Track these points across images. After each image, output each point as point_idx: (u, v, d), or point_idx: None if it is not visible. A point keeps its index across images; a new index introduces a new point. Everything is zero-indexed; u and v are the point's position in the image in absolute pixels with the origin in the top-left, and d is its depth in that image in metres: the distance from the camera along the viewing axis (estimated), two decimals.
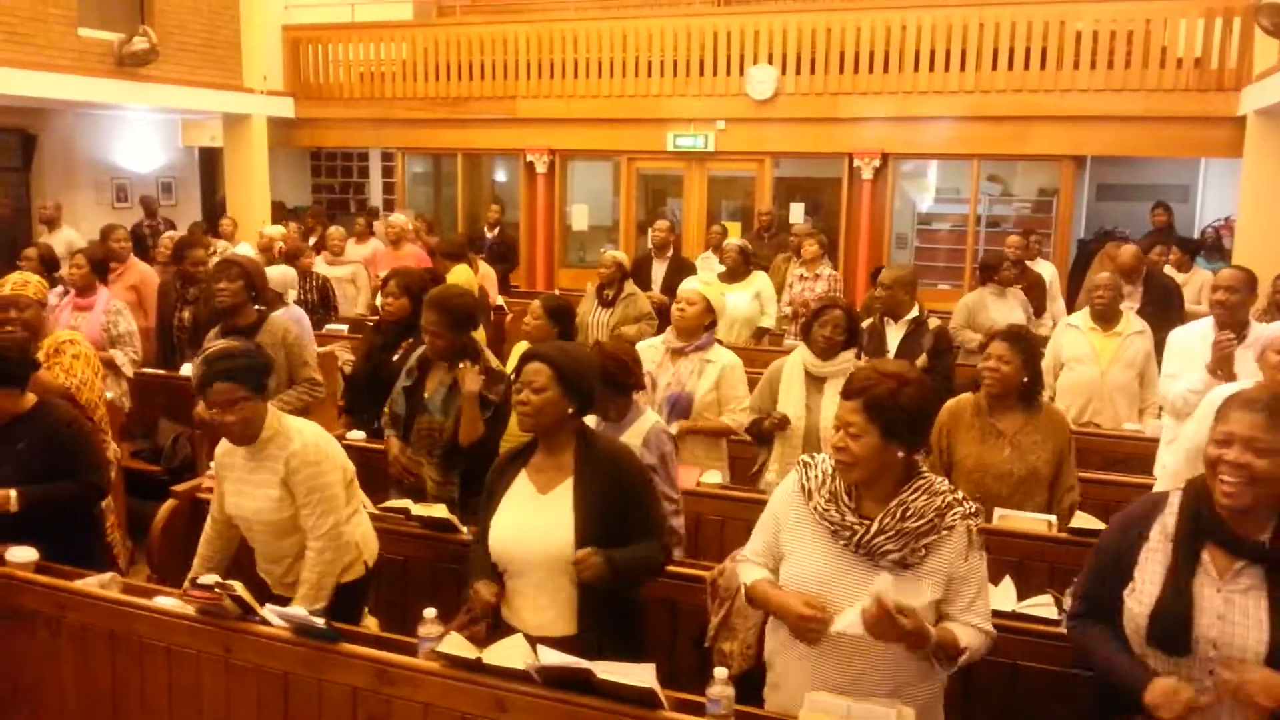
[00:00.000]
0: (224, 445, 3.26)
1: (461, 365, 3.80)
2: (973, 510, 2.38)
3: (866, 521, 2.34)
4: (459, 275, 6.58)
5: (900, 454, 2.35)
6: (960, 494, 2.40)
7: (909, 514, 2.32)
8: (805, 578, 2.40)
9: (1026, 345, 3.78)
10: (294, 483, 3.10)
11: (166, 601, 2.97)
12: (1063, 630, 2.87)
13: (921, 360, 4.89)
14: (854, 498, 2.40)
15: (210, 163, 13.97)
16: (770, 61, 11.05)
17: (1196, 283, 8.16)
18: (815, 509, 2.41)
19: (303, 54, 13.09)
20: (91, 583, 3.09)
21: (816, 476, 2.45)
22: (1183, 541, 2.25)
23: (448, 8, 13.96)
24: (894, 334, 5.24)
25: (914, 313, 5.25)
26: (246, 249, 9.19)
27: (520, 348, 4.60)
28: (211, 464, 3.83)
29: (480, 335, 5.64)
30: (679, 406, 4.31)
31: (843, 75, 10.83)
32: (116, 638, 2.96)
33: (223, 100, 11.97)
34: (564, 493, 2.75)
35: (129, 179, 12.85)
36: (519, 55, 12.03)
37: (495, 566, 2.80)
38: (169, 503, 3.83)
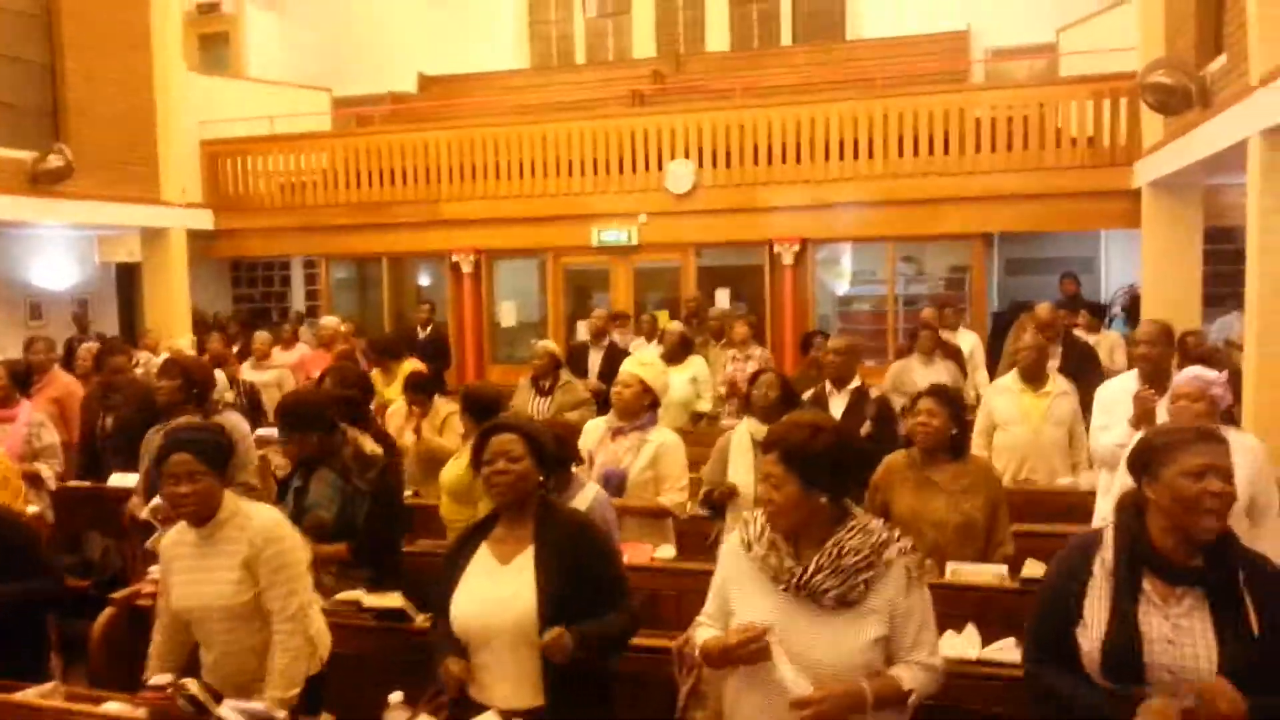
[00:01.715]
0: (170, 536, 3.14)
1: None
2: (909, 547, 2.44)
3: (805, 564, 2.38)
4: (407, 369, 6.66)
5: (824, 500, 2.41)
6: (896, 532, 2.46)
7: (845, 552, 2.37)
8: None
9: (951, 400, 3.97)
10: (260, 560, 2.98)
11: (115, 707, 2.84)
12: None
13: (866, 428, 4.98)
14: (791, 543, 2.44)
15: (127, 278, 13.76)
16: (688, 156, 11.37)
17: (1106, 344, 8.51)
18: (755, 558, 2.46)
19: (221, 167, 13.11)
20: (31, 694, 2.95)
21: (755, 529, 2.51)
22: (1122, 573, 2.32)
23: (366, 118, 14.15)
24: (837, 403, 5.31)
25: (855, 382, 5.37)
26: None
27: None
28: (151, 569, 3.74)
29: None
30: (611, 483, 4.29)
31: (758, 166, 11.20)
32: None
33: (141, 214, 11.87)
34: (525, 561, 2.73)
35: (43, 298, 12.58)
36: (440, 160, 12.20)
37: (459, 643, 2.74)
38: (107, 611, 3.69)
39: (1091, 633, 2.31)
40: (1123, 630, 2.26)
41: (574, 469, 3.72)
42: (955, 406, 3.94)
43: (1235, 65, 6.77)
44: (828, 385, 5.45)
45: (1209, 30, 7.76)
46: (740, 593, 2.50)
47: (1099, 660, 2.28)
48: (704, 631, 2.58)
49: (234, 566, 2.99)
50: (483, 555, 2.80)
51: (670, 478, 4.32)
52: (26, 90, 10.78)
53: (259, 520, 3.06)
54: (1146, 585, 2.30)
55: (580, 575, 2.71)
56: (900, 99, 10.91)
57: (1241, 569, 2.28)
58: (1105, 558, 2.37)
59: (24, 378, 5.79)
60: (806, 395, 5.58)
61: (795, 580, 2.38)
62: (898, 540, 2.43)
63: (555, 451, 3.25)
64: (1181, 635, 2.23)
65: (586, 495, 3.56)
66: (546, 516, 2.80)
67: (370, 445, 4.04)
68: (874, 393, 5.43)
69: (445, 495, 4.54)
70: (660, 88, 13.61)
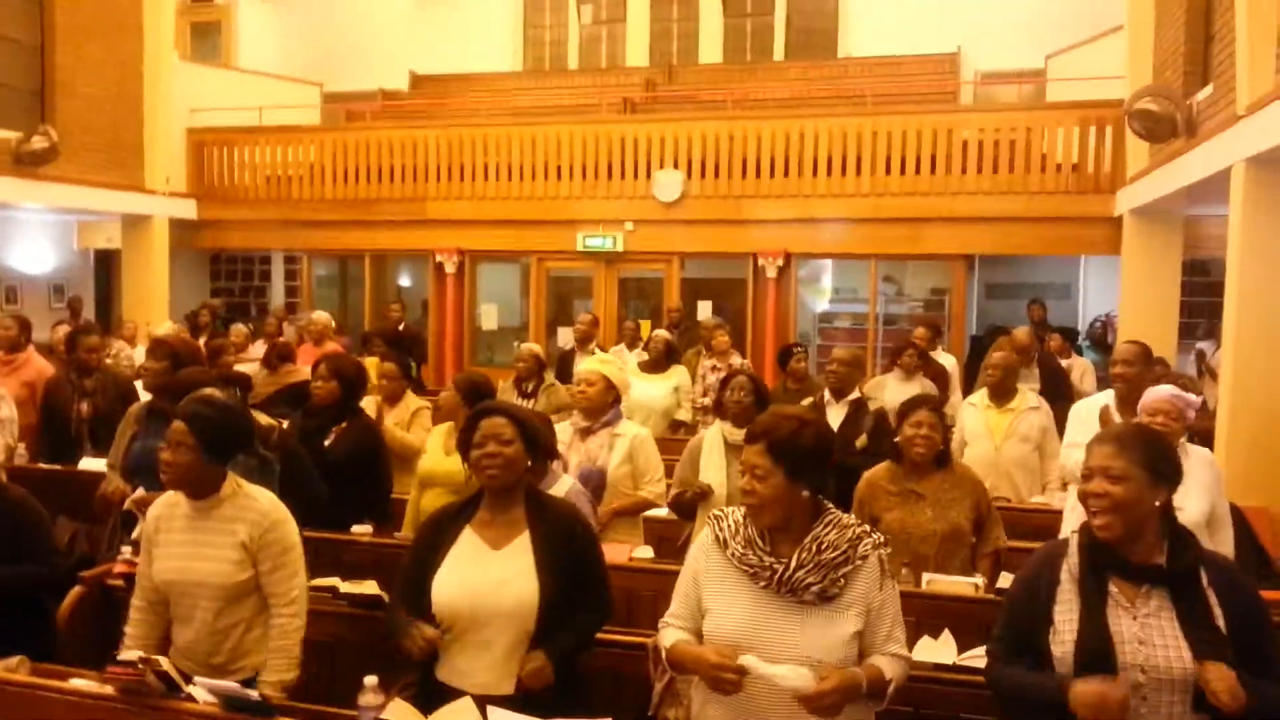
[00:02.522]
0: (158, 509, 3.09)
1: None
2: (882, 540, 2.46)
3: (784, 560, 2.38)
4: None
5: (806, 493, 2.42)
6: (867, 526, 2.48)
7: (824, 547, 2.38)
8: (730, 627, 2.41)
9: (941, 411, 4.02)
10: (266, 542, 2.96)
11: (83, 683, 2.79)
12: None
13: (862, 441, 4.98)
14: (768, 541, 2.44)
15: (106, 266, 13.64)
16: (676, 165, 11.41)
17: (1078, 370, 8.58)
18: (732, 556, 2.45)
19: (207, 156, 13.03)
20: None
21: (729, 526, 2.50)
22: (1087, 578, 2.34)
23: (356, 113, 14.10)
24: (835, 414, 5.29)
25: (854, 394, 5.38)
26: (130, 352, 9.02)
27: (439, 435, 4.61)
28: (124, 549, 3.70)
29: None
30: (592, 482, 4.28)
31: (745, 179, 11.25)
32: None
33: (123, 201, 11.77)
34: (521, 547, 2.73)
35: (19, 281, 12.47)
36: (428, 159, 12.19)
37: (432, 620, 2.72)
38: (75, 590, 3.61)
39: (1063, 638, 2.32)
40: (1093, 632, 2.27)
41: (552, 465, 3.72)
42: (942, 417, 3.99)
43: (1222, 95, 6.86)
44: (826, 395, 5.45)
45: (1197, 61, 7.87)
46: (715, 592, 2.47)
47: (1071, 664, 2.28)
48: (671, 634, 2.55)
49: (233, 545, 2.96)
50: (469, 539, 2.77)
51: (648, 471, 4.34)
52: (14, 70, 10.68)
53: (262, 503, 3.04)
54: (1113, 588, 2.31)
55: (570, 564, 2.72)
56: (889, 118, 11.00)
57: (1204, 568, 2.31)
58: (1071, 564, 2.38)
59: None
60: (805, 403, 5.59)
61: (777, 577, 2.37)
62: (870, 534, 2.45)
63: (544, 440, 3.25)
64: (1151, 634, 2.25)
65: (563, 486, 3.55)
66: (537, 504, 2.80)
67: (264, 419, 4.11)
68: (872, 405, 5.44)
69: (434, 489, 4.47)
70: (651, 96, 13.64)
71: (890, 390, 6.77)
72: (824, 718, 2.26)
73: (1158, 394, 3.81)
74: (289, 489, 3.73)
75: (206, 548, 2.97)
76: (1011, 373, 5.50)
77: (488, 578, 2.69)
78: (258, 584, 3.00)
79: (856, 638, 2.38)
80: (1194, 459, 3.81)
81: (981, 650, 3.12)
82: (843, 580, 2.37)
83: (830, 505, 2.50)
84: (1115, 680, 2.21)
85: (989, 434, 5.36)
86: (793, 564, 2.36)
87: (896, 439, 3.98)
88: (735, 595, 2.43)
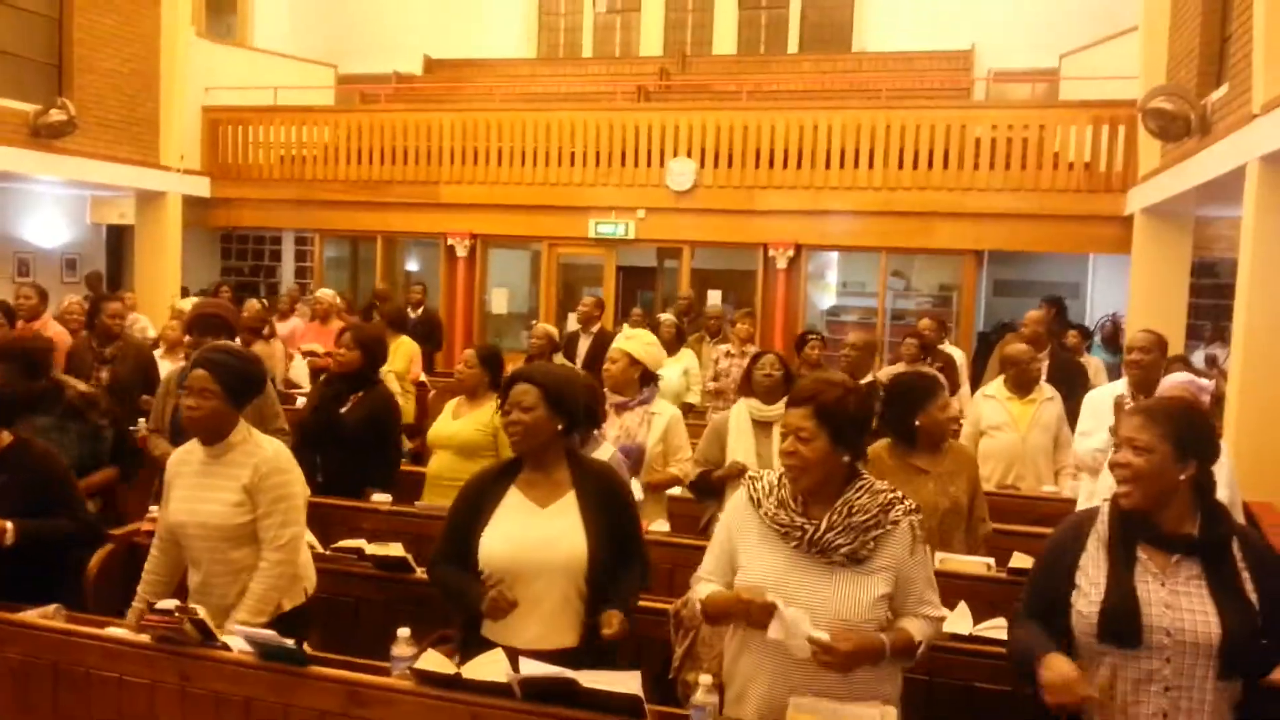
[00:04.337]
0: (177, 454, 3.19)
1: None
2: (914, 507, 2.52)
3: (815, 521, 2.44)
4: (404, 346, 6.78)
5: (845, 459, 2.47)
6: (900, 493, 2.54)
7: (854, 510, 2.44)
8: (759, 583, 2.46)
9: None
10: (261, 489, 3.04)
11: (118, 631, 2.86)
12: None
13: (874, 424, 5.04)
14: (800, 503, 2.50)
15: (117, 241, 13.69)
16: (689, 155, 11.45)
17: (1091, 368, 8.60)
18: (765, 515, 2.51)
19: (222, 134, 13.06)
20: (33, 614, 2.96)
21: (764, 487, 2.56)
22: (1117, 544, 2.38)
23: (370, 95, 14.13)
24: None
25: (868, 377, 5.45)
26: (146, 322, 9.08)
27: (450, 404, 4.68)
28: (152, 507, 3.76)
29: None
30: (631, 457, 4.35)
31: (758, 170, 11.28)
32: (60, 671, 2.82)
33: (138, 176, 11.81)
34: (568, 505, 2.80)
35: (32, 253, 12.53)
36: (442, 142, 12.22)
37: (479, 577, 2.78)
38: (106, 547, 3.68)
39: (1090, 597, 2.36)
40: (1120, 593, 2.31)
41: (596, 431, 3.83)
42: None
43: (1237, 94, 6.90)
44: None
45: (1212, 61, 7.91)
46: (747, 549, 2.54)
47: (1097, 623, 2.32)
48: (705, 587, 2.62)
49: (235, 489, 3.05)
50: (515, 498, 2.84)
51: (681, 449, 4.45)
52: (33, 43, 10.72)
53: (267, 450, 3.12)
54: (1143, 555, 2.35)
55: (613, 523, 2.80)
56: (902, 111, 11.03)
57: (1237, 543, 2.35)
58: (1101, 530, 2.43)
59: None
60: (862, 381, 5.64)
61: (808, 537, 2.43)
62: (903, 501, 2.51)
63: (587, 403, 3.31)
64: (1180, 600, 2.28)
65: (605, 452, 3.64)
66: (580, 466, 2.88)
67: (82, 385, 4.29)
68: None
69: (440, 452, 4.55)
70: (665, 85, 13.68)
71: None
72: (836, 671, 2.33)
73: (1173, 380, 3.88)
74: (120, 457, 4.06)
75: (212, 491, 3.07)
76: (1035, 368, 5.54)
77: (537, 534, 2.76)
78: None
79: (886, 600, 2.44)
80: None
81: (997, 621, 3.20)
82: (873, 544, 2.43)
83: (865, 472, 2.56)
84: (1089, 675, 2.27)
85: (1014, 424, 5.41)
86: (823, 525, 2.43)
87: (917, 422, 3.98)
88: (766, 553, 2.50)
